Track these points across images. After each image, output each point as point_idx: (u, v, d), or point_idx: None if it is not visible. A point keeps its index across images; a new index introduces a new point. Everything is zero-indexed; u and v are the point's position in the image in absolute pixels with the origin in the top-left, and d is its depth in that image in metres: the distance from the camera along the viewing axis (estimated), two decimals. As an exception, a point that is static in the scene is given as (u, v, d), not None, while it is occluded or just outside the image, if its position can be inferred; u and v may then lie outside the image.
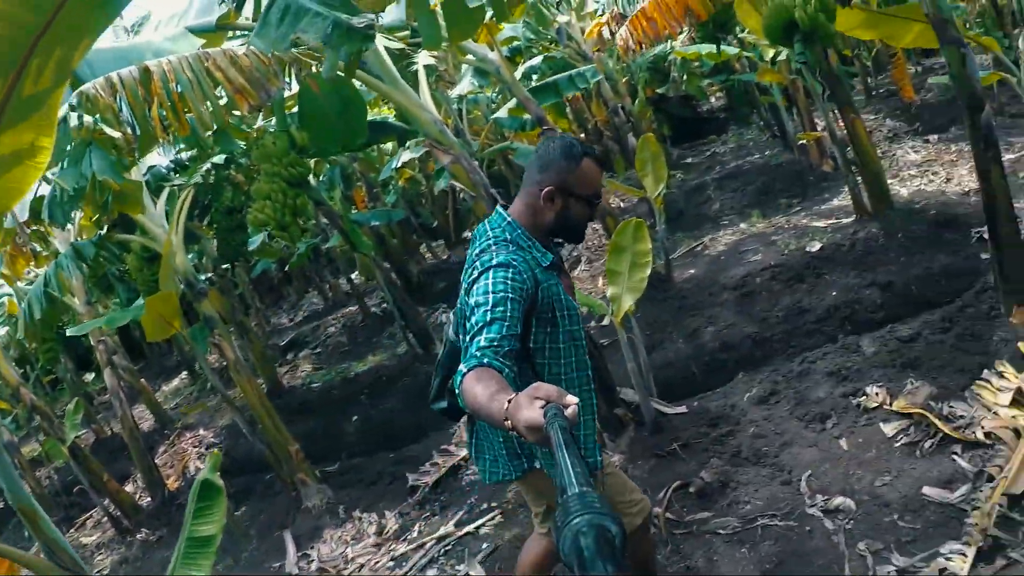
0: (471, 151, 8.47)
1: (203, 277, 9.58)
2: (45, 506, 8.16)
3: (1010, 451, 3.80)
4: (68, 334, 7.99)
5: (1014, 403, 4.14)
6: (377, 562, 5.59)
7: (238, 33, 4.97)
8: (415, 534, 5.68)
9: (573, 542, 1.16)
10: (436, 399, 3.00)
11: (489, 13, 5.14)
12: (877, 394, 4.61)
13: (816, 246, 7.11)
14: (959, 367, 4.68)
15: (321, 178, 9.78)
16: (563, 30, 9.23)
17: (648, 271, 4.94)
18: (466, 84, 8.11)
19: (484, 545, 5.06)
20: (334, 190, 9.78)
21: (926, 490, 3.85)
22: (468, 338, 2.35)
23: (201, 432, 9.71)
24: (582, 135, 14.37)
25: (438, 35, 4.74)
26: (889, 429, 4.33)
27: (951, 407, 4.34)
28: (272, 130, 6.71)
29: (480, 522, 5.29)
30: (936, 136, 9.87)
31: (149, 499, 8.50)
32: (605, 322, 6.93)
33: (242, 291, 13.16)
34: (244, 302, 12.76)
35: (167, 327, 6.18)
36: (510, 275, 2.44)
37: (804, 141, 9.71)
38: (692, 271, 7.99)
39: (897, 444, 4.22)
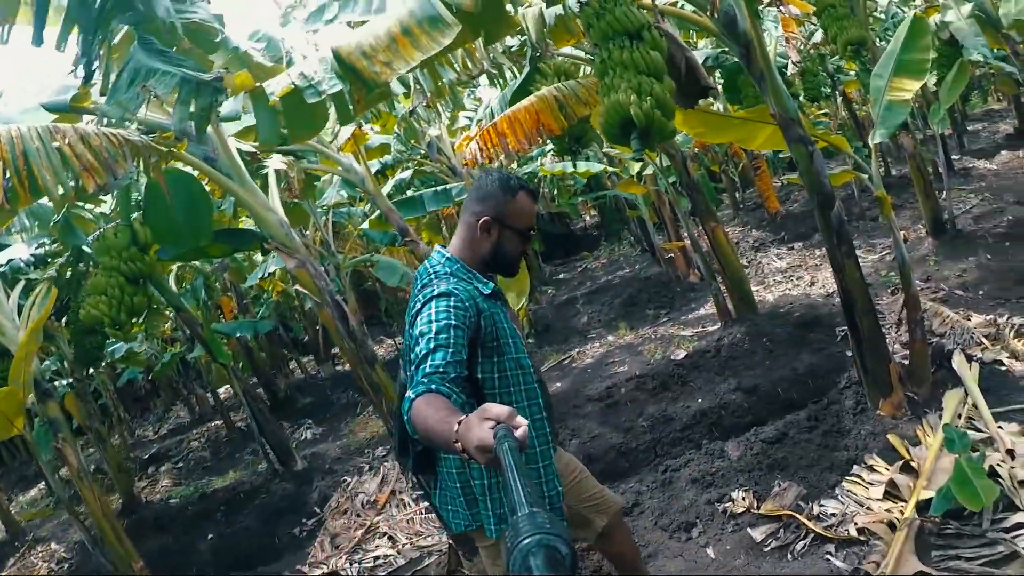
0: (336, 261, 8.20)
1: (64, 382, 8.95)
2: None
3: (886, 545, 3.56)
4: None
5: (887, 496, 3.93)
6: None
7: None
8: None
9: (523, 563, 1.11)
10: (401, 453, 2.84)
11: (332, 116, 4.88)
12: (743, 498, 4.35)
13: (681, 354, 6.95)
14: (827, 464, 4.46)
15: (186, 286, 9.26)
16: (434, 144, 9.07)
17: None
18: (334, 194, 7.85)
19: None
20: (200, 298, 9.29)
21: (799, 594, 3.58)
22: (414, 367, 2.29)
23: (53, 545, 8.77)
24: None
25: (276, 132, 4.48)
26: (758, 534, 4.04)
27: (822, 506, 4.10)
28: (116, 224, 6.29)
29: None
30: (800, 243, 10.09)
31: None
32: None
33: (104, 400, 12.33)
34: (106, 411, 11.89)
35: (8, 427, 5.68)
36: (452, 303, 2.42)
37: (670, 252, 9.71)
38: (558, 384, 7.73)
39: (767, 548, 3.93)
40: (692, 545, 4.19)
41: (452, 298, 2.42)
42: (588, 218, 19.24)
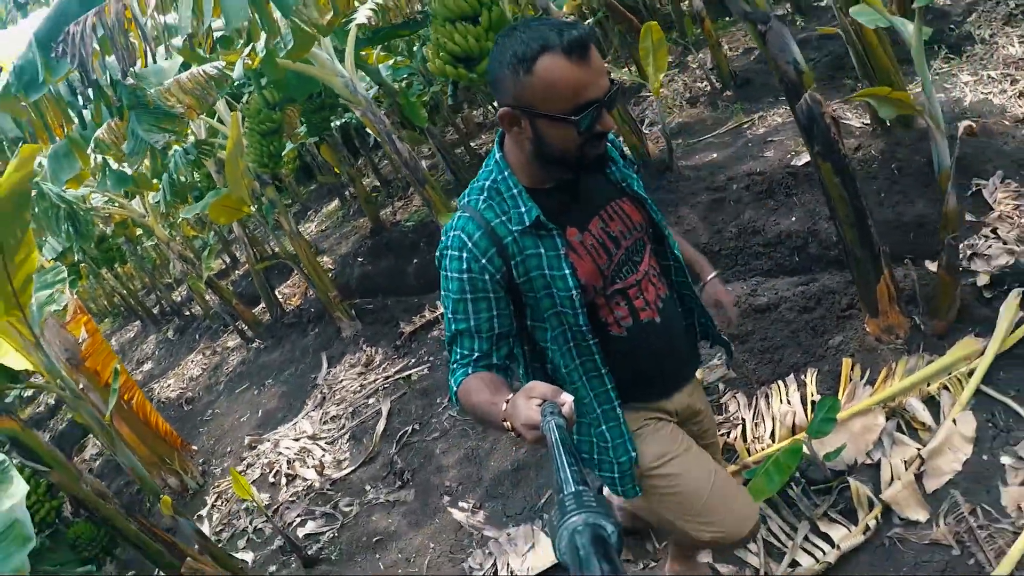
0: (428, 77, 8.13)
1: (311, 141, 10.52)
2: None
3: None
4: (182, 215, 9.69)
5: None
6: (351, 385, 6.53)
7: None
8: (381, 369, 6.48)
9: (569, 541, 1.03)
10: None
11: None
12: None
13: (803, 160, 5.78)
14: (778, 359, 3.97)
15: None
16: None
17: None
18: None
19: (403, 391, 5.96)
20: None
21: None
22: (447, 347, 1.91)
23: (324, 259, 10.44)
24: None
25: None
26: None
27: (736, 400, 3.78)
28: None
29: (412, 371, 6.11)
30: (1035, 19, 6.38)
31: (269, 316, 9.93)
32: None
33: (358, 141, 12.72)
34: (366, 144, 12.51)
35: (240, 211, 7.22)
36: (463, 268, 1.78)
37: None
38: (714, 155, 6.70)
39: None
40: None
41: (463, 255, 1.77)
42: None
